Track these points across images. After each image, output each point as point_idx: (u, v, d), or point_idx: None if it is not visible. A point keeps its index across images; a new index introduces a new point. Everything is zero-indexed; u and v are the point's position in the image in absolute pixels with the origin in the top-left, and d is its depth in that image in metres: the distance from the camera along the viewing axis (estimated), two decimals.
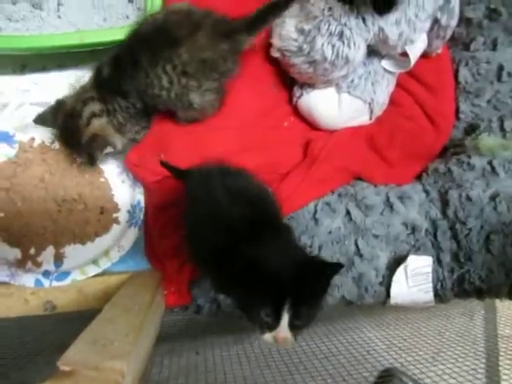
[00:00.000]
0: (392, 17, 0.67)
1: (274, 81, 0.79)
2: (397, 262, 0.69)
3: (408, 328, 0.82)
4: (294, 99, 0.78)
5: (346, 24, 0.65)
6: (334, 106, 0.76)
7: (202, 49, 0.65)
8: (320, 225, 0.68)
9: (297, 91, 0.77)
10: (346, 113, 0.76)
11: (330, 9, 0.65)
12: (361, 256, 0.67)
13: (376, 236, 0.68)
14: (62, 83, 0.79)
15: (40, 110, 0.72)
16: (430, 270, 0.69)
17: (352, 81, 0.74)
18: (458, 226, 0.70)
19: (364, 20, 0.66)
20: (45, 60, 0.81)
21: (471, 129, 0.80)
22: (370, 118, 0.79)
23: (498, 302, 0.88)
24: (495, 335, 0.84)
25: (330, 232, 0.67)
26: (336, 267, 0.49)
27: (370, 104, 0.77)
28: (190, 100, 0.68)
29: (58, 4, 0.77)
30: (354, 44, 0.66)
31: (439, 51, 0.80)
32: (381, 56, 0.75)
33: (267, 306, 0.46)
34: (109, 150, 0.71)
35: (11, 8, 0.78)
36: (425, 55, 0.80)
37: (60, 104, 0.71)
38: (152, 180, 0.73)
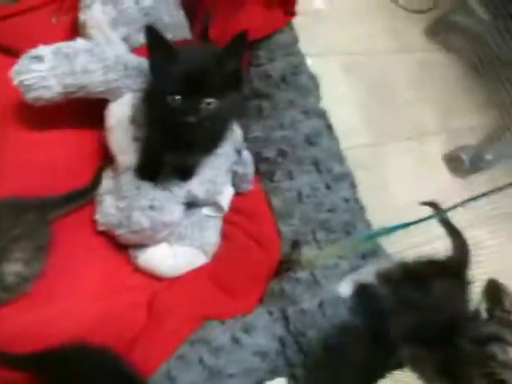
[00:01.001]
0: (194, 180, 0.79)
1: (110, 246, 0.83)
2: None
3: None
4: (132, 260, 0.82)
5: (154, 197, 0.74)
6: (170, 259, 0.82)
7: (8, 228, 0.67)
8: (177, 383, 0.69)
9: (132, 253, 0.82)
10: (182, 261, 0.83)
11: (138, 187, 0.74)
12: None
13: (231, 375, 0.72)
14: None
15: None
16: None
17: (180, 233, 0.83)
18: (301, 338, 0.79)
19: (171, 190, 0.76)
20: None
21: (294, 245, 0.93)
22: (207, 258, 0.87)
23: None
24: None
25: None
26: None
27: (202, 248, 0.85)
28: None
29: None
30: (168, 210, 0.76)
31: (250, 188, 0.94)
32: (200, 205, 0.86)
33: None
34: None
35: None
36: (240, 193, 0.94)
37: None
38: None
